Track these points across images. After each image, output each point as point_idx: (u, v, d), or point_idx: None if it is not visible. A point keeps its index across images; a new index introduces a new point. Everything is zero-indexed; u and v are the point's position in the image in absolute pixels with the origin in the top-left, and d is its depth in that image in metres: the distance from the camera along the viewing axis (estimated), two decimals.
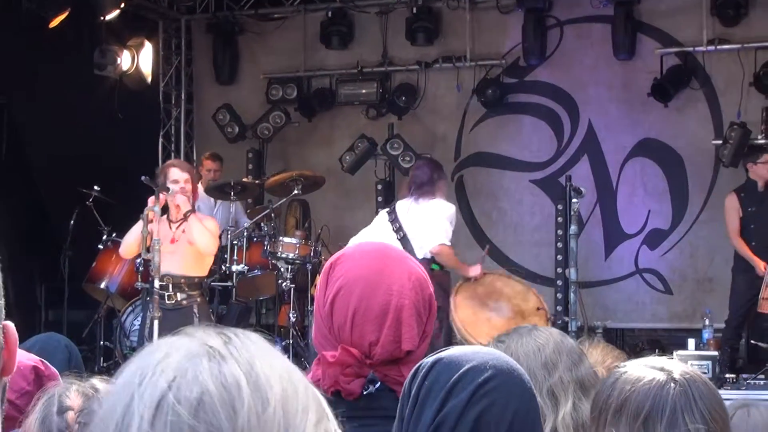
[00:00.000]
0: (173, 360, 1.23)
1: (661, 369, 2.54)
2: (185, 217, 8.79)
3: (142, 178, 8.89)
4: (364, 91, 13.71)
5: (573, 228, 9.56)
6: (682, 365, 2.58)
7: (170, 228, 8.85)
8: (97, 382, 2.88)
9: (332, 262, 2.63)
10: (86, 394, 2.82)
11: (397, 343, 2.49)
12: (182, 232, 8.80)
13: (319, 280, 2.67)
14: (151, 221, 8.55)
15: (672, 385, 2.49)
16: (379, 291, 2.52)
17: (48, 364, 3.13)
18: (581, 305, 10.09)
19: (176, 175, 8.85)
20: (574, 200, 9.58)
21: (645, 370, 2.55)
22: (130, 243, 8.85)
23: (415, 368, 2.06)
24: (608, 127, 12.89)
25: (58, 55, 12.47)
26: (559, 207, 11.75)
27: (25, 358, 3.01)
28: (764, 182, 10.66)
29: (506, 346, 3.02)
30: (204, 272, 9.19)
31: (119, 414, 1.21)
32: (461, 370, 1.98)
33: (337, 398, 2.46)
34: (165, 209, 8.95)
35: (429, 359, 2.05)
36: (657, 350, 10.93)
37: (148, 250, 8.55)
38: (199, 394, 1.20)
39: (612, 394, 2.55)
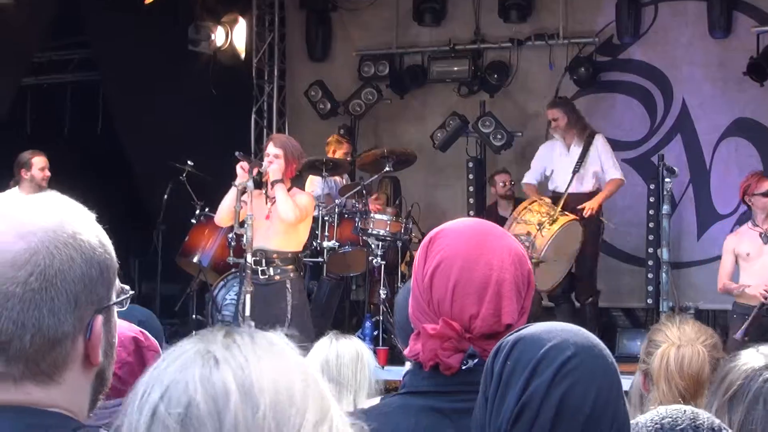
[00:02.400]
0: (170, 370, 1.33)
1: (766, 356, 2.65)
2: (272, 185, 8.86)
3: (237, 153, 9.02)
4: (456, 68, 13.63)
5: (665, 208, 9.51)
6: None
7: (266, 203, 8.94)
8: None
9: (431, 237, 2.61)
10: None
11: (497, 316, 2.46)
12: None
13: (418, 254, 2.64)
14: (244, 194, 8.64)
15: (766, 372, 2.58)
16: (480, 265, 2.50)
17: (148, 335, 3.21)
18: (673, 286, 10.01)
19: (269, 149, 9.03)
20: (667, 180, 9.50)
21: (755, 355, 2.67)
22: (224, 212, 8.98)
23: (496, 347, 2.07)
24: (702, 107, 12.73)
25: (152, 32, 12.65)
26: (651, 187, 11.65)
27: (126, 329, 3.08)
28: None
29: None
30: (298, 247, 9.23)
31: (126, 427, 1.31)
32: (543, 349, 1.99)
33: (435, 372, 2.46)
34: (263, 183, 9.07)
35: (510, 337, 2.05)
36: None
37: (242, 224, 8.67)
38: (186, 406, 1.28)
39: (721, 371, 2.69)
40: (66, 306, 1.64)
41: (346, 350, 4.75)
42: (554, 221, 10.36)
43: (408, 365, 2.63)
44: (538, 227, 10.29)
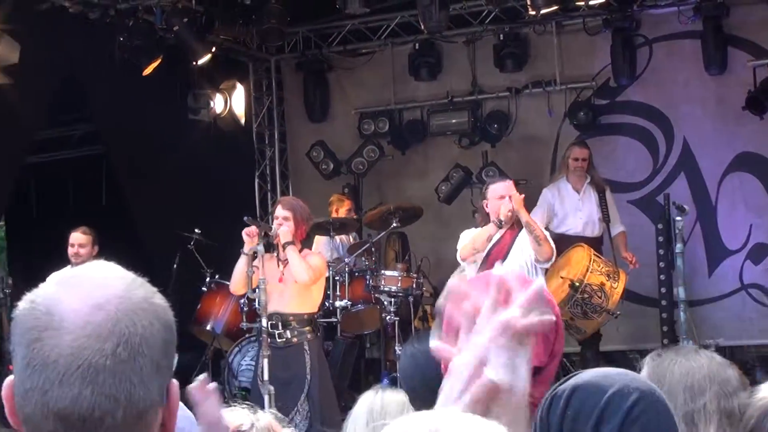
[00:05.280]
0: None
1: None
2: (283, 248, 8.89)
3: (245, 218, 9.08)
4: (455, 120, 13.78)
5: (679, 246, 9.57)
6: None
7: (278, 266, 8.97)
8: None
9: None
10: None
11: None
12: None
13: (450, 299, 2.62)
14: (255, 259, 8.69)
15: None
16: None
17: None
18: (693, 324, 10.05)
19: (277, 211, 9.08)
20: (677, 218, 9.59)
21: None
22: (238, 280, 9.01)
23: (550, 396, 2.06)
24: (704, 144, 12.82)
25: (152, 102, 12.75)
26: (659, 226, 11.68)
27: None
28: None
29: (660, 362, 3.04)
30: (313, 308, 9.23)
31: None
32: (606, 396, 1.98)
33: None
34: (273, 247, 9.11)
35: (565, 386, 2.04)
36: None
37: (254, 290, 8.69)
38: None
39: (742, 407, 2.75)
40: (151, 374, 1.60)
41: (392, 400, 4.65)
42: (617, 273, 10.52)
43: None
44: (607, 278, 10.39)
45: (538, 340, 2.37)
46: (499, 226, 9.23)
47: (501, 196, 9.29)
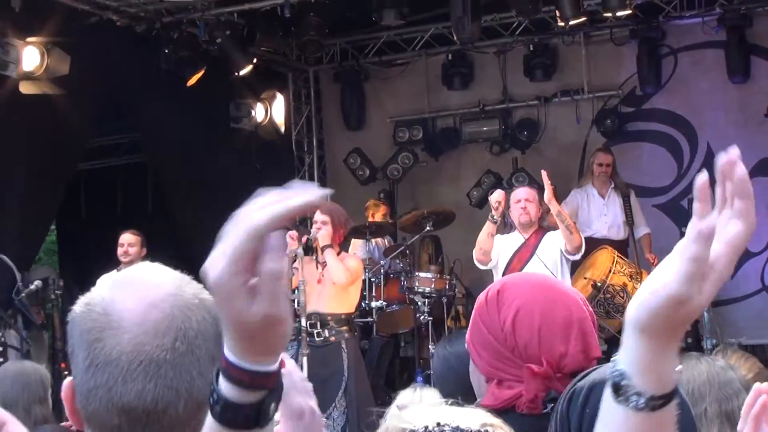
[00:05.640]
0: None
1: None
2: (322, 251, 9.11)
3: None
4: (486, 128, 14.10)
5: None
6: None
7: (317, 268, 9.19)
8: None
9: (498, 290, 2.66)
10: None
11: (585, 352, 2.53)
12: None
13: (483, 309, 2.68)
14: (295, 261, 8.90)
15: None
16: (558, 306, 2.57)
17: None
18: (717, 323, 10.28)
19: (316, 216, 9.28)
20: None
21: None
22: None
23: (568, 393, 2.12)
24: (727, 150, 12.99)
25: (195, 112, 12.93)
26: (683, 229, 11.86)
27: None
28: None
29: None
30: (350, 309, 9.43)
31: None
32: None
33: (511, 413, 2.47)
34: (312, 250, 9.39)
35: (584, 382, 2.10)
36: None
37: (294, 290, 8.98)
38: None
39: None
40: (208, 365, 1.63)
41: (430, 399, 4.56)
42: (640, 274, 10.78)
43: None
44: (630, 278, 10.69)
45: (593, 332, 2.63)
46: (494, 222, 9.37)
47: (518, 200, 9.52)
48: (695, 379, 3.05)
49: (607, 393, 1.45)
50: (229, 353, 1.39)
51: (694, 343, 11.39)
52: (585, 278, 10.62)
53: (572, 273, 10.11)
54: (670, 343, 1.44)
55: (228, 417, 1.38)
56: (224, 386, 1.38)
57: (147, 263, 1.78)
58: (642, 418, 1.43)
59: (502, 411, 2.45)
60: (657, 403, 1.43)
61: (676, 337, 1.44)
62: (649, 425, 1.44)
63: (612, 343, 11.44)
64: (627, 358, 1.44)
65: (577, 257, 9.76)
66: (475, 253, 9.62)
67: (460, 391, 2.64)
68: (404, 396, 4.72)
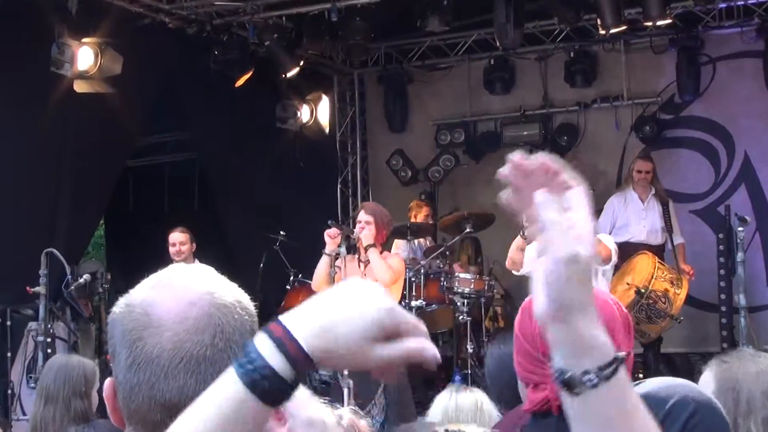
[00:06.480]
0: None
1: None
2: (365, 250, 9.27)
3: (329, 221, 9.42)
4: (526, 132, 14.27)
5: (740, 255, 9.76)
6: None
7: (359, 267, 9.31)
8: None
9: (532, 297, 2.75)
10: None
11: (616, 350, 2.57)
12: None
13: (520, 316, 2.72)
14: (337, 260, 9.08)
15: None
16: None
17: None
18: (753, 329, 10.40)
19: (360, 216, 9.43)
20: (740, 229, 9.78)
21: None
22: (320, 278, 9.26)
23: None
24: (764, 157, 13.20)
25: (243, 112, 13.24)
26: (720, 235, 12.03)
27: None
28: None
29: (728, 366, 3.02)
30: None
31: None
32: (666, 407, 2.09)
33: (549, 416, 2.50)
34: (355, 249, 9.56)
35: None
36: None
37: None
38: None
39: None
40: None
41: (466, 401, 4.74)
42: (680, 280, 10.99)
43: None
44: (671, 284, 10.89)
45: (624, 330, 2.59)
46: (524, 238, 9.56)
47: None
48: (765, 374, 3.00)
49: (564, 397, 1.47)
50: (297, 331, 1.49)
51: (730, 349, 11.47)
52: (627, 283, 10.81)
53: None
54: (580, 315, 1.47)
55: (274, 389, 1.46)
56: (276, 358, 1.45)
57: (182, 265, 1.84)
58: (605, 395, 1.46)
59: (540, 414, 2.55)
60: (608, 371, 1.45)
61: (582, 304, 1.47)
62: (615, 397, 1.47)
63: (648, 348, 11.67)
64: (558, 356, 1.49)
65: (608, 267, 9.94)
66: (507, 261, 9.95)
67: (512, 391, 2.83)
68: (441, 399, 4.85)
